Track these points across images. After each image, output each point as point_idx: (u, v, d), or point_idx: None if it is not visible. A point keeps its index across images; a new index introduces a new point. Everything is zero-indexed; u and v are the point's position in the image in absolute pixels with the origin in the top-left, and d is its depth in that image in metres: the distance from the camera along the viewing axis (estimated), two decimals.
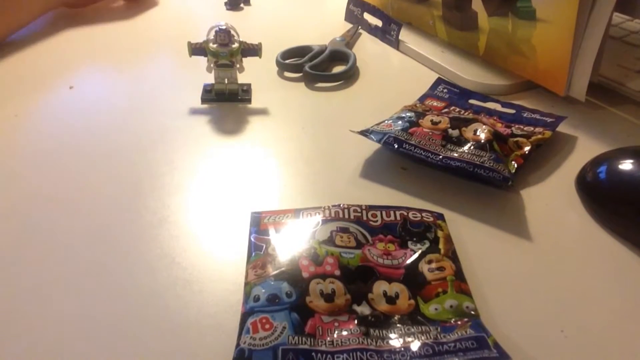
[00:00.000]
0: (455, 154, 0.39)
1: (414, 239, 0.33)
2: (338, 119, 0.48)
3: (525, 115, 0.46)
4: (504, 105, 0.48)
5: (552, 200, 0.39)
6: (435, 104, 0.48)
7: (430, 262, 0.31)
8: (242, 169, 0.42)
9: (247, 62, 0.49)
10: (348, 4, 0.69)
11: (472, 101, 0.49)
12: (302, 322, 0.27)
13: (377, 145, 0.43)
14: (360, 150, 0.44)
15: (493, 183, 0.39)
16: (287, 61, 0.57)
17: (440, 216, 0.35)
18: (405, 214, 0.35)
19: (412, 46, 0.60)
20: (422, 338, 0.27)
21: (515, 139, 0.42)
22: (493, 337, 0.27)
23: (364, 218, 0.34)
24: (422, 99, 0.50)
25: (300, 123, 0.48)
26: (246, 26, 0.67)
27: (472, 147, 0.39)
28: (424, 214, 0.35)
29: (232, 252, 0.34)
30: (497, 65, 0.54)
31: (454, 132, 0.41)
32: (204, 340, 0.28)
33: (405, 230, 0.34)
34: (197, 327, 0.29)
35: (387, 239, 0.33)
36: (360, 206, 0.35)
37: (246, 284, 0.30)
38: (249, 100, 0.50)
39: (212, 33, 0.47)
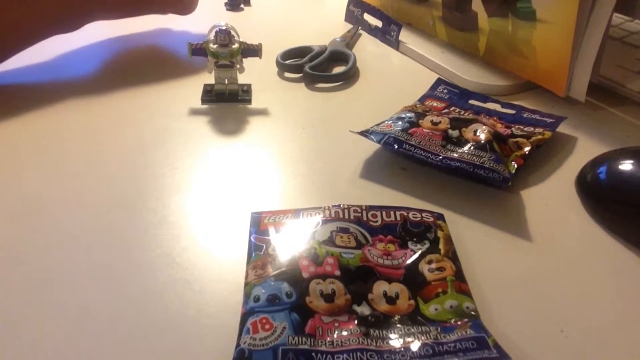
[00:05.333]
0: (455, 155, 0.39)
1: (414, 239, 0.33)
2: (338, 119, 0.48)
3: (525, 115, 0.46)
4: (504, 105, 0.48)
5: (552, 200, 0.39)
6: (435, 104, 0.48)
7: (430, 262, 0.31)
8: (242, 169, 0.42)
9: (247, 62, 0.49)
10: (348, 4, 0.69)
11: (472, 102, 0.49)
12: (302, 322, 0.27)
13: (377, 146, 0.43)
14: (360, 150, 0.44)
15: (493, 183, 0.39)
16: (287, 62, 0.57)
17: (441, 216, 0.35)
18: (405, 214, 0.35)
19: (412, 47, 0.60)
20: (422, 338, 0.27)
21: (515, 140, 0.42)
22: (493, 338, 0.27)
23: (364, 218, 0.34)
24: (422, 100, 0.50)
25: (300, 123, 0.48)
26: (246, 27, 0.67)
27: (472, 148, 0.39)
28: (424, 214, 0.35)
29: (232, 252, 0.34)
30: (497, 65, 0.54)
31: (454, 133, 0.41)
32: (204, 340, 0.28)
33: (405, 230, 0.34)
34: (197, 327, 0.29)
35: (387, 239, 0.33)
36: (360, 206, 0.35)
37: (246, 284, 0.30)
38: (249, 101, 0.50)
39: (213, 33, 0.47)
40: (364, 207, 0.35)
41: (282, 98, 0.52)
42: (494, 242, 0.35)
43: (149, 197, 0.38)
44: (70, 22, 0.54)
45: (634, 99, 0.49)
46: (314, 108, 0.50)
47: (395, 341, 0.27)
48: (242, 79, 0.50)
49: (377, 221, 0.34)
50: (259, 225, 0.34)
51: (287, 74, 0.56)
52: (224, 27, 0.47)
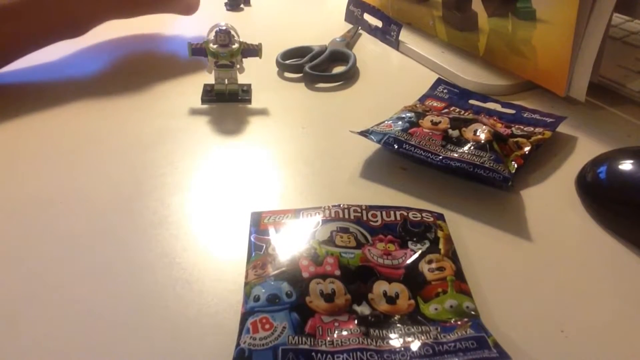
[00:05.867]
0: (455, 155, 0.39)
1: (414, 239, 0.33)
2: (338, 119, 0.48)
3: (525, 115, 0.46)
4: (504, 105, 0.48)
5: (552, 200, 0.39)
6: (435, 104, 0.48)
7: (430, 262, 0.31)
8: (242, 169, 0.42)
9: (247, 62, 0.49)
10: (348, 4, 0.69)
11: (472, 101, 0.49)
12: (302, 322, 0.27)
13: (377, 146, 0.43)
14: (360, 150, 0.44)
15: (493, 183, 0.39)
16: (287, 61, 0.57)
17: (441, 216, 0.35)
18: (405, 214, 0.35)
19: (412, 47, 0.60)
20: (422, 338, 0.27)
21: (515, 139, 0.42)
22: (493, 337, 0.27)
23: (364, 218, 0.34)
24: (422, 100, 0.50)
25: (300, 123, 0.48)
26: (246, 27, 0.67)
27: (472, 148, 0.39)
28: (424, 214, 0.35)
29: (232, 252, 0.34)
30: (497, 65, 0.54)
31: (454, 133, 0.41)
32: (204, 340, 0.28)
33: (406, 230, 0.34)
34: (197, 327, 0.29)
35: (387, 239, 0.33)
36: (360, 206, 0.35)
37: (246, 284, 0.30)
38: (249, 101, 0.50)
39: (213, 33, 0.47)
40: (364, 207, 0.35)
41: (282, 98, 0.52)
42: (494, 242, 0.35)
43: (149, 197, 0.38)
44: (77, 28, 0.55)
45: (634, 99, 0.49)
46: (314, 108, 0.50)
47: (395, 341, 0.27)
48: (242, 79, 0.50)
49: (377, 221, 0.34)
50: (259, 225, 0.34)
51: (287, 74, 0.56)
52: (224, 27, 0.47)
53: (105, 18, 0.57)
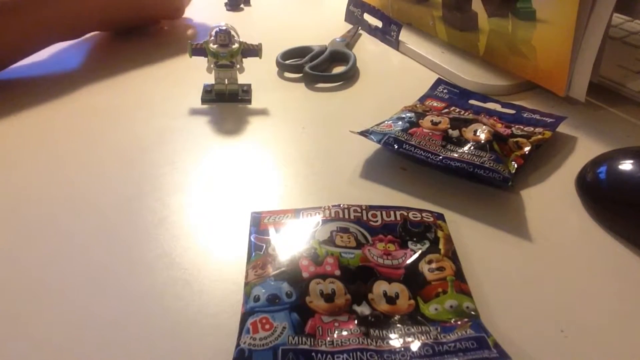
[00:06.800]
0: (455, 155, 0.39)
1: (414, 239, 0.33)
2: (338, 119, 0.48)
3: (525, 115, 0.46)
4: (504, 105, 0.48)
5: (552, 200, 0.39)
6: (435, 104, 0.48)
7: (430, 262, 0.31)
8: (242, 169, 0.42)
9: (247, 62, 0.49)
10: (348, 4, 0.69)
11: (472, 101, 0.49)
12: (302, 322, 0.27)
13: (377, 146, 0.43)
14: (360, 150, 0.44)
15: (493, 183, 0.39)
16: (287, 62, 0.57)
17: (440, 216, 0.35)
18: (405, 214, 0.35)
19: (412, 47, 0.60)
20: (422, 338, 0.27)
21: (515, 139, 0.42)
22: (493, 337, 0.27)
23: (364, 218, 0.34)
24: (422, 100, 0.50)
25: (300, 123, 0.48)
26: (246, 27, 0.67)
27: (472, 148, 0.39)
28: (424, 214, 0.35)
29: (232, 252, 0.34)
30: (497, 65, 0.54)
31: (454, 133, 0.41)
32: (204, 340, 0.28)
33: (406, 230, 0.34)
34: (197, 327, 0.29)
35: (387, 239, 0.33)
36: (360, 206, 0.35)
37: (246, 284, 0.30)
38: (249, 101, 0.50)
39: (213, 33, 0.47)
40: (364, 207, 0.35)
41: (282, 98, 0.52)
42: (494, 242, 0.35)
43: (148, 197, 0.38)
44: (73, 34, 0.57)
45: (634, 99, 0.49)
46: (314, 108, 0.50)
47: (395, 341, 0.27)
48: (242, 79, 0.50)
49: (377, 221, 0.34)
50: (259, 225, 0.34)
51: (287, 74, 0.56)
52: (224, 27, 0.47)
53: (101, 29, 0.62)
